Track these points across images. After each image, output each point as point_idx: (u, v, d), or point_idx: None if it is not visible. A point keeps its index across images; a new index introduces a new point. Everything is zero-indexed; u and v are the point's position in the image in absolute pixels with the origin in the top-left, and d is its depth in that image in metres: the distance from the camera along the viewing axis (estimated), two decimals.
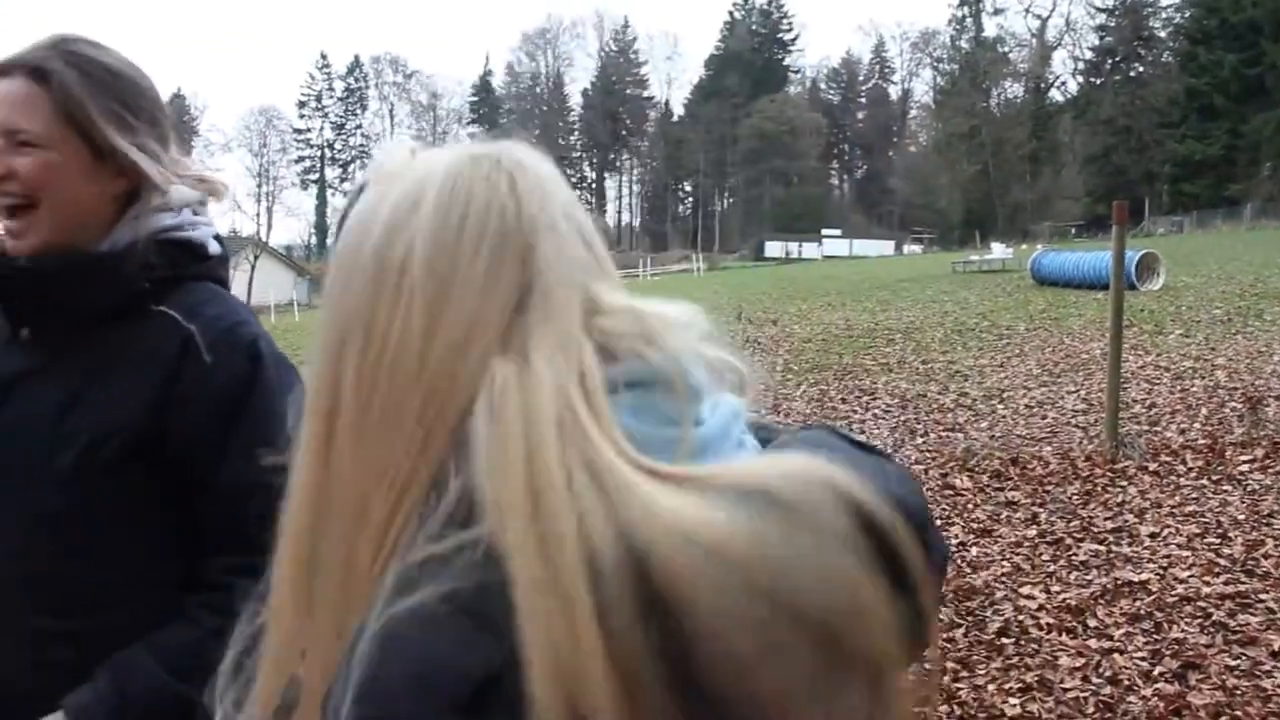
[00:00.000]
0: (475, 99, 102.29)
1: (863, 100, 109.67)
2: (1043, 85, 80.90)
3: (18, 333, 1.52)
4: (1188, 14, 67.45)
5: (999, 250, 30.77)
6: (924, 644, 0.74)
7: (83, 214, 1.48)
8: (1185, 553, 5.24)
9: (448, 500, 0.69)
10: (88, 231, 1.49)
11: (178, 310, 1.50)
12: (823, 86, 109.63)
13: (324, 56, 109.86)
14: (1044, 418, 8.95)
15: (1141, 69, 72.36)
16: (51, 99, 1.44)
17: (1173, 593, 4.75)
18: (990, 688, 4.01)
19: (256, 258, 51.48)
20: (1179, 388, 9.64)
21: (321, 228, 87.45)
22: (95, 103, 1.46)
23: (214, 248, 1.60)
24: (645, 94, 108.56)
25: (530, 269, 0.72)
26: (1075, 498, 6.33)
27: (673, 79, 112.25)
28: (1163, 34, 72.07)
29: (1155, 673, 4.00)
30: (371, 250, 0.74)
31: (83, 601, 1.44)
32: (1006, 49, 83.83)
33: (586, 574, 0.62)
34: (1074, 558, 5.32)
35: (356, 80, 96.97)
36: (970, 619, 4.66)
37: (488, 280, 0.71)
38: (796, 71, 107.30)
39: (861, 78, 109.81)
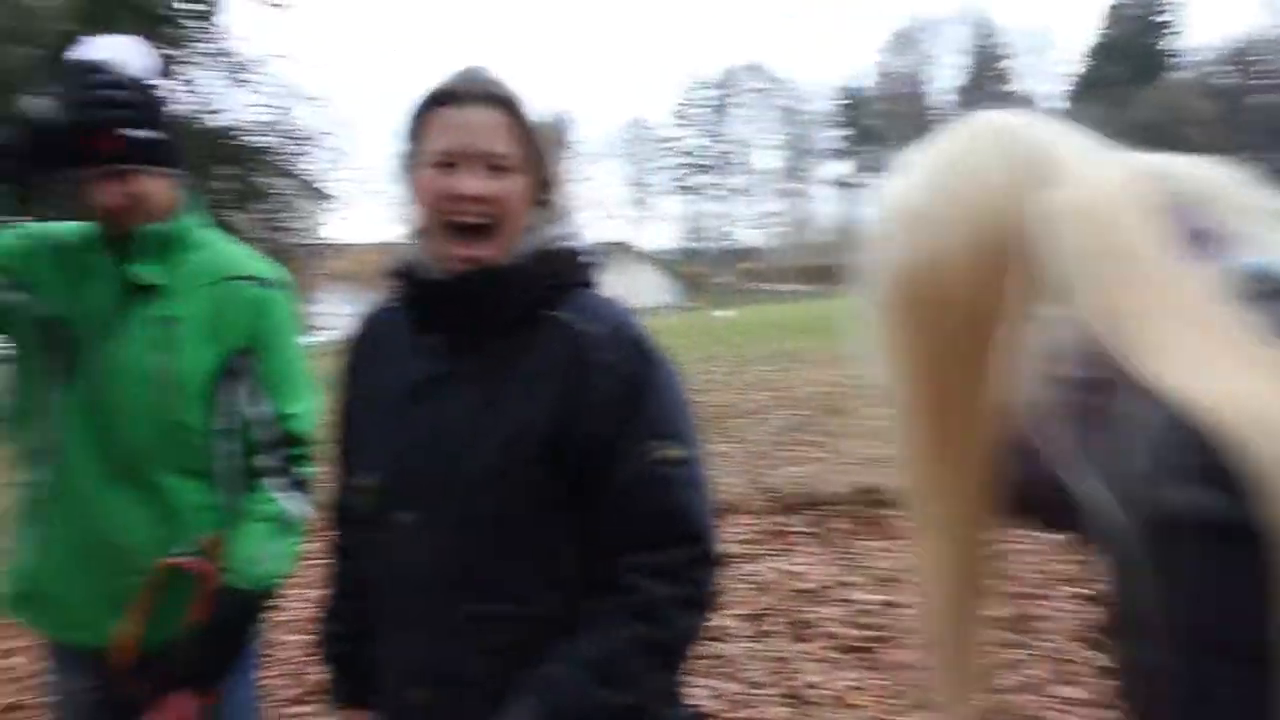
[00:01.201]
0: (842, 101, 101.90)
1: (1263, 83, 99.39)
2: None
3: (426, 340, 1.64)
4: None
5: None
6: None
7: (520, 233, 1.60)
8: None
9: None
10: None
11: (568, 315, 1.59)
12: (1214, 70, 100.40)
13: (691, 68, 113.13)
14: None
15: None
16: (520, 127, 1.57)
17: None
18: None
19: (628, 263, 53.70)
20: None
21: (692, 233, 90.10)
22: (541, 130, 1.60)
23: (594, 254, 1.69)
24: (1015, 88, 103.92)
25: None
26: None
27: (1043, 72, 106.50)
28: None
29: None
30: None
31: (512, 591, 1.55)
32: None
33: None
34: None
35: (723, 89, 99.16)
36: None
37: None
38: (1182, 56, 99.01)
39: (1261, 59, 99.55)
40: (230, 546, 2.00)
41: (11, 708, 4.23)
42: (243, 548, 2.00)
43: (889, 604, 4.69)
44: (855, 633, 4.42)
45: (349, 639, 1.79)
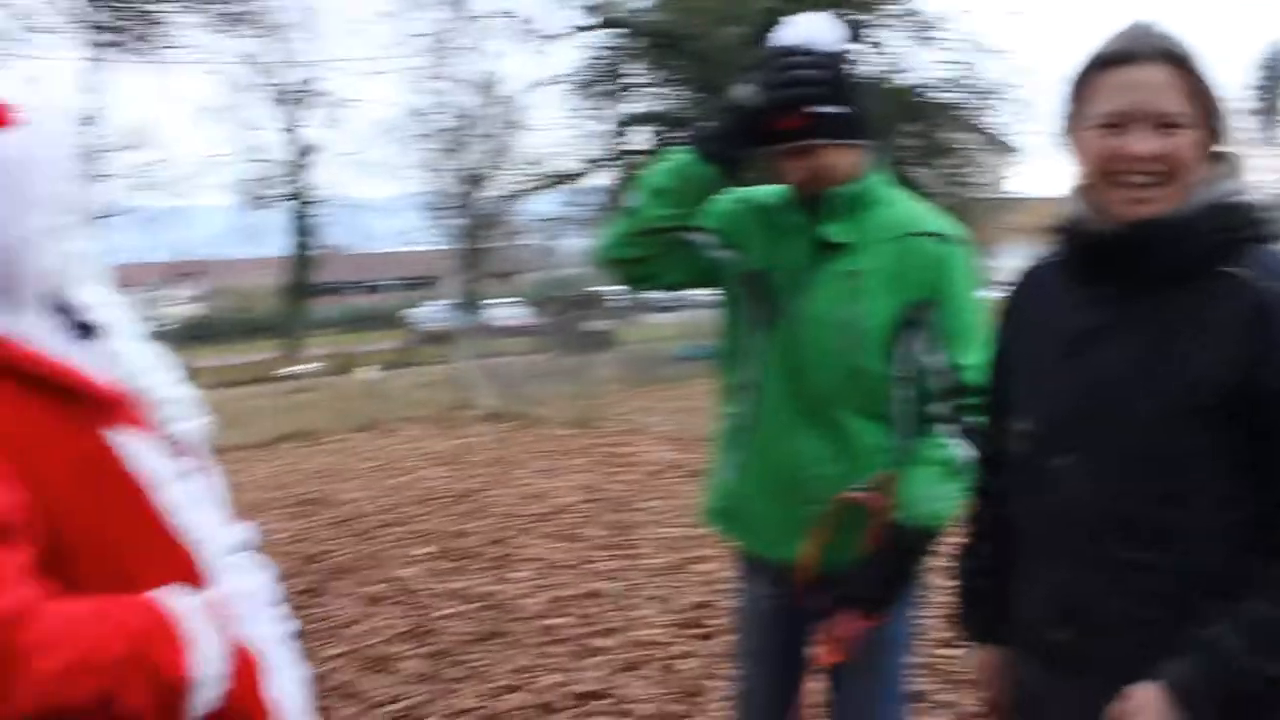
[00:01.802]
0: None
1: None
2: None
3: (1088, 291, 1.66)
4: None
5: None
6: None
7: (1190, 187, 1.58)
8: None
9: None
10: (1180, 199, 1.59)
11: (1244, 270, 1.54)
12: None
13: None
14: None
15: None
16: (1190, 82, 1.56)
17: None
18: None
19: None
20: None
21: None
22: (1211, 84, 1.57)
23: (1270, 211, 1.61)
24: None
25: None
26: None
27: None
28: None
29: None
30: None
31: (1162, 537, 1.56)
32: None
33: None
34: None
35: None
36: None
37: None
38: None
39: None
40: (902, 485, 2.14)
41: (701, 605, 4.84)
42: (913, 488, 2.13)
43: None
44: None
45: (985, 575, 1.87)
